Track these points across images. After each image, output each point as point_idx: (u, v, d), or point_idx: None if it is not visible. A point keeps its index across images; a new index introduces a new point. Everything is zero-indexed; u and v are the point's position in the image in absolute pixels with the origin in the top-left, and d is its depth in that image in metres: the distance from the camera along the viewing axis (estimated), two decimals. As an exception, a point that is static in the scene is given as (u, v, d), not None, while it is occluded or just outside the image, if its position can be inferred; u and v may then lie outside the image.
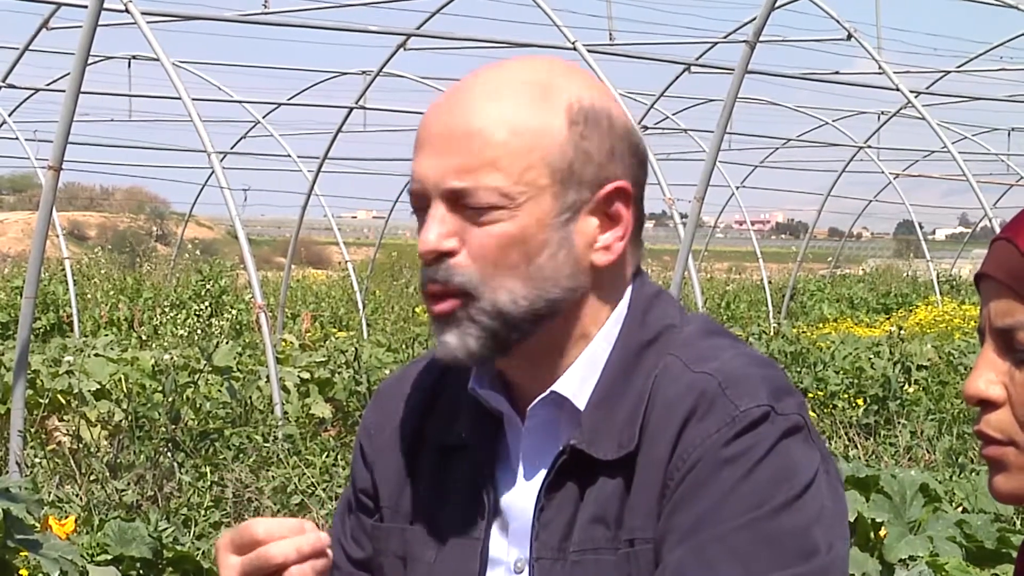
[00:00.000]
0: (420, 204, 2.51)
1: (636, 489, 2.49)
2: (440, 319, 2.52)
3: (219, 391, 13.32)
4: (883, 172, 33.95)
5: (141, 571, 7.60)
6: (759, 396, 2.46)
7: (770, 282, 32.89)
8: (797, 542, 2.40)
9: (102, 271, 35.55)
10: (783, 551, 2.39)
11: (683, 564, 2.40)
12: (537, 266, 2.48)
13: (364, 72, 23.74)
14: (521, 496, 2.60)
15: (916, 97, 19.77)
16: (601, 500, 2.51)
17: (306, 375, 14.56)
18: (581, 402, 2.55)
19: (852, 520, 7.42)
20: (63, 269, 25.36)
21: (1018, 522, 7.77)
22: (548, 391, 2.56)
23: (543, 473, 2.56)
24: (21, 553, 6.57)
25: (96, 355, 15.04)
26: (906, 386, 15.67)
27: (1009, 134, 35.15)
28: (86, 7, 10.53)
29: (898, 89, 18.40)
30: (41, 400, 13.05)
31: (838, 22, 18.73)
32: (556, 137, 2.46)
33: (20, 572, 6.54)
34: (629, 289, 2.61)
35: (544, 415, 2.58)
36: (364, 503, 2.76)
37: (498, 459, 2.64)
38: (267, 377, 13.06)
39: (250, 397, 13.18)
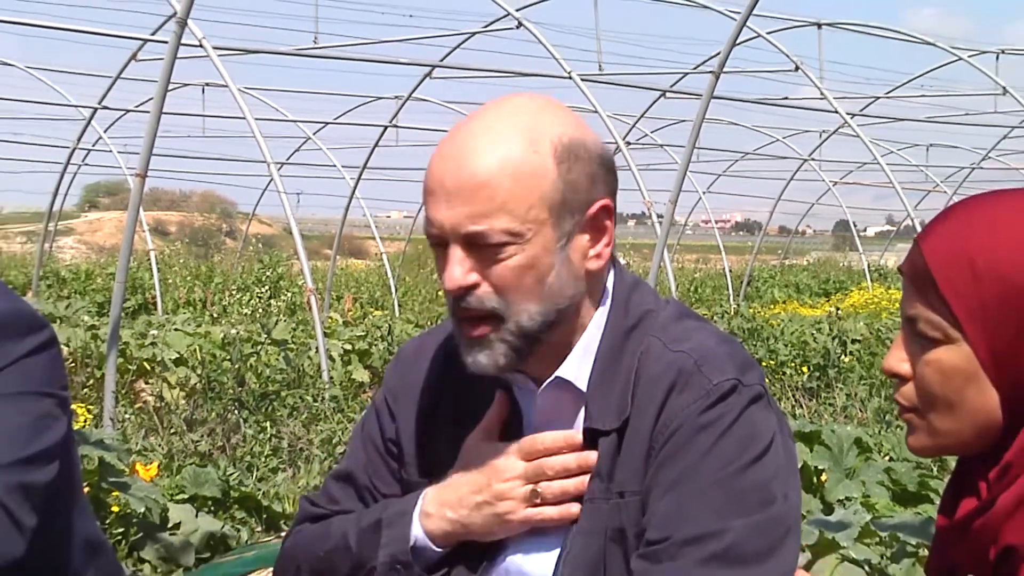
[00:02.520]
0: (438, 242, 2.50)
1: (625, 450, 2.51)
2: (474, 341, 2.51)
3: (277, 360, 13.31)
4: (824, 180, 33.91)
5: (212, 508, 7.60)
6: (728, 371, 2.49)
7: (730, 271, 32.85)
8: (759, 494, 2.44)
9: (181, 260, 35.51)
10: (747, 502, 2.43)
11: (666, 513, 2.44)
12: (548, 285, 2.49)
13: (397, 97, 23.70)
14: None
15: (852, 118, 19.70)
16: (598, 459, 2.53)
17: (348, 347, 14.56)
18: (582, 382, 2.57)
19: (799, 468, 7.39)
20: (149, 259, 25.34)
21: (935, 469, 7.73)
22: (553, 376, 2.57)
23: None
24: (113, 493, 6.57)
25: (176, 330, 15.05)
26: (842, 356, 15.64)
27: (927, 149, 35.23)
28: (167, 43, 10.51)
29: (837, 111, 18.32)
30: (130, 367, 13.08)
31: (787, 56, 18.69)
32: (549, 177, 2.45)
33: (112, 508, 6.53)
34: (610, 280, 2.63)
35: (552, 394, 2.59)
36: (391, 450, 2.77)
37: (511, 424, 2.65)
38: (316, 348, 13.05)
39: (302, 365, 13.16)
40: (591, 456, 2.52)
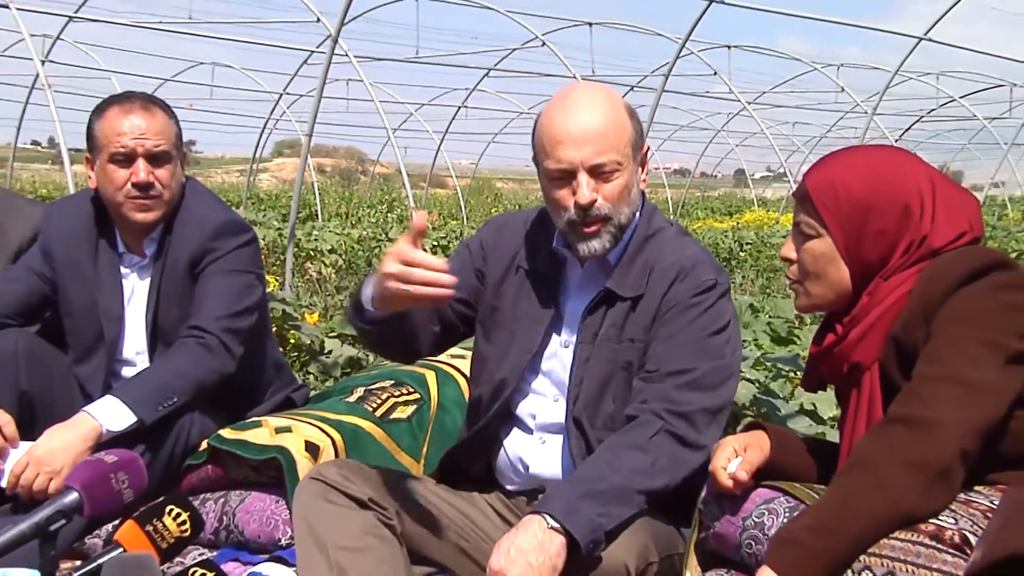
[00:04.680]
0: (563, 176, 2.45)
1: (638, 313, 2.51)
2: (589, 235, 2.47)
3: (392, 250, 13.28)
4: (729, 143, 33.79)
5: (351, 341, 7.55)
6: (711, 273, 2.51)
7: (671, 199, 32.67)
8: (718, 350, 2.46)
9: (333, 189, 35.51)
10: (710, 353, 2.45)
11: (660, 354, 2.46)
12: (632, 196, 2.49)
13: (466, 88, 23.51)
14: (573, 307, 2.60)
15: (749, 105, 19.44)
16: (615, 315, 2.52)
17: (435, 243, 14.50)
18: (614, 261, 2.57)
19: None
20: (313, 187, 25.35)
21: (798, 323, 7.65)
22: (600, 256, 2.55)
23: (587, 299, 2.57)
24: (291, 331, 6.55)
25: (329, 231, 15.03)
26: (740, 252, 15.59)
27: (794, 125, 35.10)
28: (325, 52, 10.38)
29: (739, 100, 18.13)
30: (301, 253, 13.05)
31: (709, 65, 18.43)
32: (628, 127, 2.45)
33: (290, 341, 6.52)
34: (641, 203, 2.60)
35: (593, 267, 2.58)
36: (479, 271, 2.70)
37: (560, 285, 2.62)
38: (416, 243, 13.01)
39: (407, 253, 13.13)
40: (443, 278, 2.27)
